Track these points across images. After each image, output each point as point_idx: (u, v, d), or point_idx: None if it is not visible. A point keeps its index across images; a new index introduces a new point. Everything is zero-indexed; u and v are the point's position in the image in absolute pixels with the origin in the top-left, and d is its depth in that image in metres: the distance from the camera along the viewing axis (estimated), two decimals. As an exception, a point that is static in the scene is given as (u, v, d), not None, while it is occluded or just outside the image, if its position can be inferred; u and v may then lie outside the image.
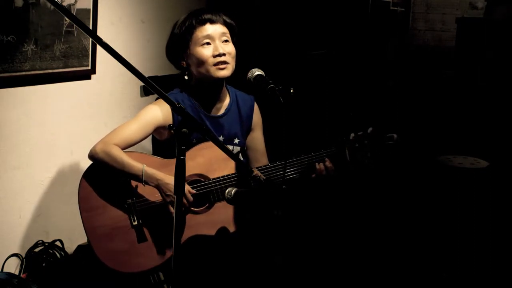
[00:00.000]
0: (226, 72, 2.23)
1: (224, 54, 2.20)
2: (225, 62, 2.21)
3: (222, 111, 2.34)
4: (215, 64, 2.20)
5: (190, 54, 2.23)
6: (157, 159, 2.21)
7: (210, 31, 2.22)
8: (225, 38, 2.24)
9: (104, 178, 2.18)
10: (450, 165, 3.34)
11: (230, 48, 2.24)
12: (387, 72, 4.32)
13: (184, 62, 2.28)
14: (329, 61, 3.85)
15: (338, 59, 3.87)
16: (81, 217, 2.17)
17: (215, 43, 2.21)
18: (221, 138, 2.31)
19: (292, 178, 2.29)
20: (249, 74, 2.12)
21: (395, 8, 4.47)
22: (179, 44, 2.26)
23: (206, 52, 2.20)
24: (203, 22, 2.22)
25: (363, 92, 3.96)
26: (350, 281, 2.90)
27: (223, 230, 2.23)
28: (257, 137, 2.45)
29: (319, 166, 2.23)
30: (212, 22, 2.23)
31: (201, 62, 2.21)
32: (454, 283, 2.91)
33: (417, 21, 4.55)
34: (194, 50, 2.22)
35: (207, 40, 2.21)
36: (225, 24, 2.26)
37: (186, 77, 2.29)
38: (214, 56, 2.20)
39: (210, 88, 2.28)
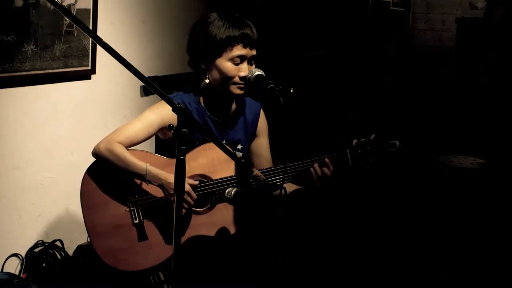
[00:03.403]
0: (244, 89, 2.23)
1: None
2: (246, 83, 2.21)
3: (228, 117, 2.33)
4: (237, 84, 2.19)
5: (217, 64, 2.19)
6: (161, 158, 2.21)
7: (246, 53, 2.19)
8: (252, 61, 2.23)
9: (107, 175, 2.18)
10: (450, 165, 3.34)
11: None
12: (387, 72, 4.32)
13: (204, 66, 2.24)
14: (329, 61, 3.85)
15: (338, 59, 3.87)
16: (83, 214, 2.17)
17: (244, 64, 2.19)
18: (224, 143, 2.30)
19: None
20: (249, 74, 2.12)
21: (395, 8, 4.47)
22: (210, 49, 2.19)
23: (233, 70, 2.17)
24: (244, 42, 2.17)
25: (363, 92, 3.96)
26: (350, 281, 2.90)
27: (224, 231, 2.23)
28: (262, 143, 2.44)
29: (321, 169, 2.22)
30: (252, 47, 2.20)
31: (225, 78, 2.19)
32: (454, 283, 2.91)
33: (417, 21, 4.55)
34: (222, 63, 2.18)
35: (239, 60, 2.19)
36: (257, 45, 2.24)
37: (207, 81, 2.26)
38: (240, 78, 2.19)
39: (220, 95, 2.27)
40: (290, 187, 2.35)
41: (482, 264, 2.96)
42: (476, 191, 3.20)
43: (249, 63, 2.22)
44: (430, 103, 4.04)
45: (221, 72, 2.19)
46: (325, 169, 2.22)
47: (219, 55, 2.18)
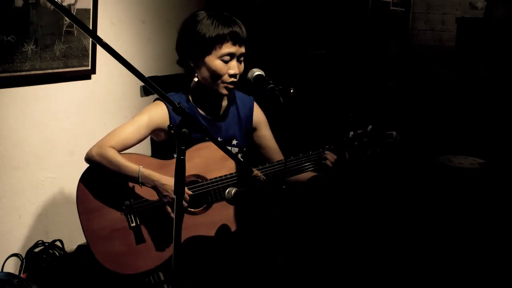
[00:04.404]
0: (231, 91, 2.25)
1: (237, 75, 2.21)
2: (234, 82, 2.21)
3: (220, 113, 2.33)
4: (226, 82, 2.20)
5: (206, 62, 2.19)
6: (155, 160, 2.21)
7: (235, 50, 2.19)
8: (241, 58, 2.23)
9: (101, 180, 2.18)
10: (450, 165, 3.34)
11: (242, 68, 2.24)
12: (388, 72, 4.32)
13: (194, 64, 2.24)
14: (329, 61, 3.85)
15: (338, 59, 3.87)
16: (80, 220, 2.17)
17: (233, 61, 2.20)
18: (218, 139, 2.31)
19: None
20: (249, 74, 2.12)
21: (395, 8, 4.47)
22: (199, 47, 2.20)
23: (223, 68, 2.18)
24: (233, 40, 2.18)
25: (363, 92, 3.96)
26: (350, 281, 2.90)
27: (221, 231, 2.23)
28: (264, 135, 2.45)
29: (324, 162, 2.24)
30: (240, 44, 2.20)
31: (215, 76, 2.19)
32: (454, 283, 2.91)
33: (417, 21, 4.56)
34: (211, 61, 2.19)
35: (229, 57, 2.19)
36: (246, 43, 2.24)
37: (195, 79, 2.26)
38: (229, 75, 2.19)
39: (211, 92, 2.27)
40: (307, 175, 2.35)
41: (482, 264, 2.96)
42: (476, 191, 3.20)
43: (238, 61, 2.23)
44: (430, 103, 4.04)
45: (210, 70, 2.19)
46: (328, 162, 2.24)
47: (209, 52, 2.19)
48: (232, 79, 2.21)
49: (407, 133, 2.41)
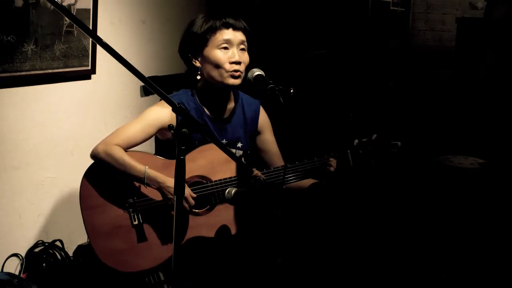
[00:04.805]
0: (238, 81, 2.21)
1: (240, 63, 2.19)
2: (238, 71, 2.19)
3: (226, 115, 2.33)
4: (229, 71, 2.19)
5: (206, 55, 2.20)
6: (160, 159, 2.21)
7: (231, 36, 2.19)
8: (242, 46, 2.22)
9: (105, 177, 2.18)
10: (450, 165, 3.34)
11: (245, 57, 2.22)
12: (388, 72, 4.32)
13: (197, 61, 2.25)
14: (329, 61, 3.85)
15: (338, 59, 3.87)
16: (82, 216, 2.17)
17: (233, 49, 2.19)
18: (224, 141, 2.30)
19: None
20: (249, 74, 2.11)
21: (395, 8, 4.47)
22: (196, 42, 2.21)
23: (223, 56, 2.18)
24: (226, 26, 2.19)
25: (363, 92, 3.96)
26: (350, 281, 2.90)
27: (223, 232, 2.23)
28: (267, 139, 2.44)
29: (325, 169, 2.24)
30: (235, 28, 2.20)
31: (217, 66, 2.18)
32: (454, 283, 2.91)
33: (417, 21, 4.56)
34: (211, 52, 2.19)
35: (226, 45, 2.18)
36: (245, 32, 2.24)
37: (198, 77, 2.26)
38: (230, 63, 2.18)
39: (217, 92, 2.27)
40: (308, 181, 2.35)
41: (482, 264, 2.96)
42: (476, 191, 3.21)
43: (239, 49, 2.21)
44: (430, 103, 4.04)
45: (211, 61, 2.19)
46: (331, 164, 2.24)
47: (205, 44, 2.20)
48: (235, 66, 2.18)
49: (407, 133, 2.42)
